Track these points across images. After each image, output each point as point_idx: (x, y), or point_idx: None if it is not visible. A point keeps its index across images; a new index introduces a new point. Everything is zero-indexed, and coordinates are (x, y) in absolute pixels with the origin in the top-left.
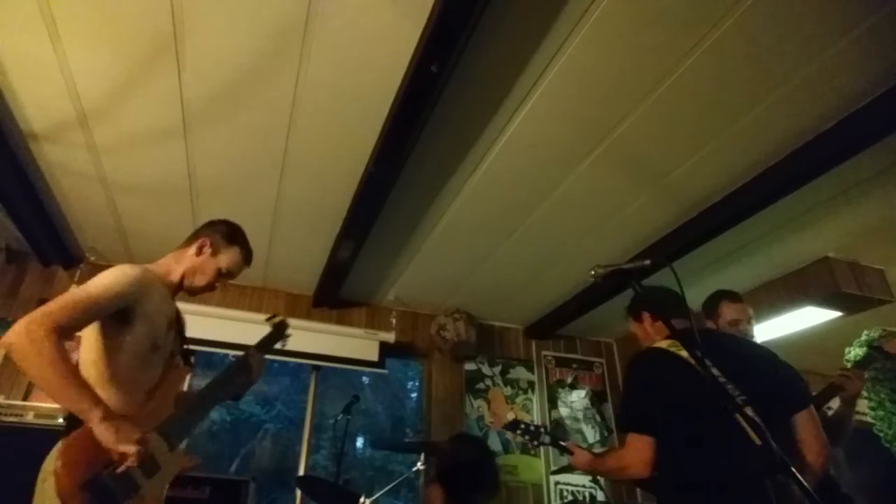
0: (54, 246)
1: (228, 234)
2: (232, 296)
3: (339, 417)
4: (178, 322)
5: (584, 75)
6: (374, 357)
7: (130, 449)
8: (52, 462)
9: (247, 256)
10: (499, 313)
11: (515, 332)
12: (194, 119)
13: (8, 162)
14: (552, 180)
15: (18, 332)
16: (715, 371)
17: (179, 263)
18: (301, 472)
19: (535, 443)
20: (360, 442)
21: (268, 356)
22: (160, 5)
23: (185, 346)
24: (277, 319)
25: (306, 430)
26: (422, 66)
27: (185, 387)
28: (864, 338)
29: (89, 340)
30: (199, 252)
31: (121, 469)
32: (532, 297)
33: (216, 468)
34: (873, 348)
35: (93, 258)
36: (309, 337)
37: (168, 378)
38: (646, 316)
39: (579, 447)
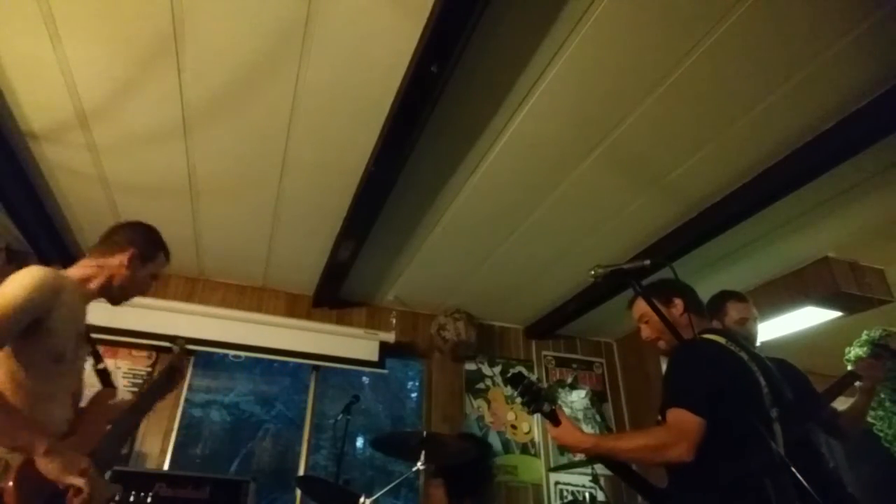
0: (54, 246)
1: (152, 239)
2: (232, 296)
3: (339, 417)
4: (87, 335)
5: (584, 75)
6: (374, 357)
7: (80, 481)
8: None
9: (168, 255)
10: (499, 313)
11: (515, 332)
12: (194, 119)
13: (8, 162)
14: (552, 180)
15: None
16: (762, 380)
17: (102, 271)
18: (301, 472)
19: (532, 408)
20: (360, 442)
21: (268, 357)
22: (160, 5)
23: (99, 367)
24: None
25: (306, 430)
26: (422, 66)
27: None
28: (864, 338)
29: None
30: (129, 265)
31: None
32: (532, 297)
33: (216, 468)
34: (878, 346)
35: None
36: (309, 337)
37: (96, 406)
38: (678, 303)
39: (570, 421)
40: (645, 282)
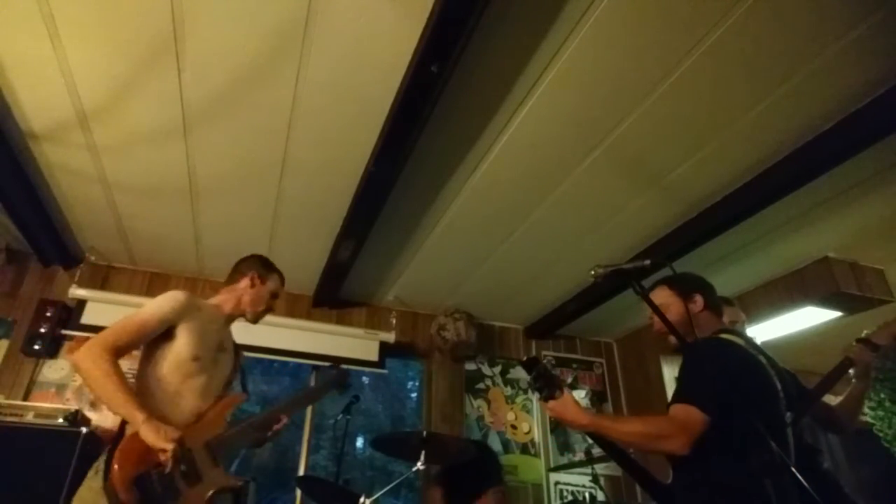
0: (54, 246)
1: (266, 264)
2: None
3: (339, 417)
4: (235, 352)
5: (584, 75)
6: (374, 357)
7: (168, 445)
8: (102, 460)
9: (282, 278)
10: (499, 313)
11: (515, 332)
12: (194, 119)
13: (8, 162)
14: (552, 180)
15: (83, 351)
16: (778, 384)
17: (232, 295)
18: (301, 472)
19: (545, 394)
20: (360, 442)
21: (268, 357)
22: (160, 5)
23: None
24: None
25: (306, 430)
26: (422, 66)
27: None
28: (863, 337)
29: (141, 358)
30: (252, 284)
31: (166, 470)
32: (532, 297)
33: None
34: (860, 340)
35: (93, 258)
36: (309, 337)
37: (222, 402)
38: (699, 299)
39: (573, 398)
40: (645, 281)
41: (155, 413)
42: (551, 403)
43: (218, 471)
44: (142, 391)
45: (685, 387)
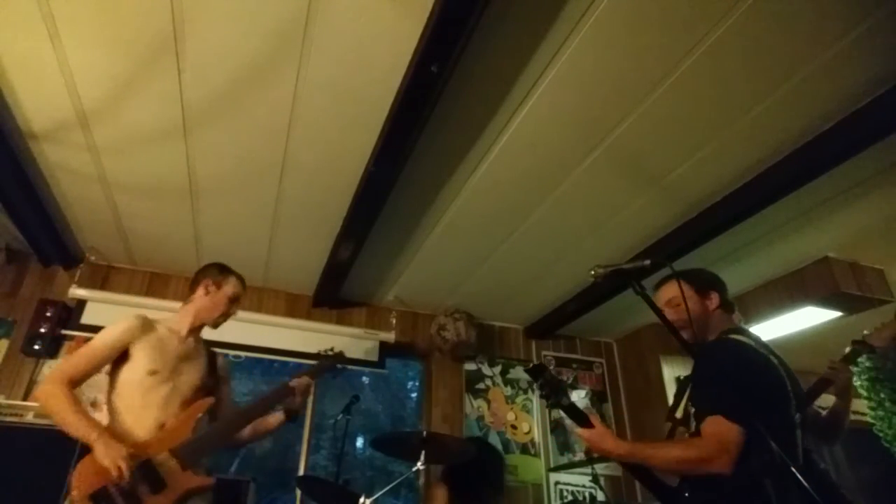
0: (54, 246)
1: (222, 269)
2: None
3: (339, 417)
4: (209, 357)
5: (584, 75)
6: (374, 357)
7: (117, 462)
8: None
9: (241, 280)
10: (499, 313)
11: (515, 332)
12: (194, 119)
13: (8, 162)
14: (552, 180)
15: (41, 386)
16: (789, 385)
17: (191, 306)
18: (301, 472)
19: (552, 401)
20: (360, 442)
21: (268, 357)
22: (160, 5)
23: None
24: (332, 353)
25: (306, 430)
26: (422, 66)
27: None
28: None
29: (108, 384)
30: (207, 292)
31: (121, 483)
32: (532, 297)
33: (216, 468)
34: (857, 342)
35: (93, 258)
36: (309, 337)
37: (188, 409)
38: (715, 297)
39: (605, 426)
40: (649, 279)
41: (122, 429)
42: (587, 434)
43: (186, 474)
44: (112, 412)
45: (711, 396)
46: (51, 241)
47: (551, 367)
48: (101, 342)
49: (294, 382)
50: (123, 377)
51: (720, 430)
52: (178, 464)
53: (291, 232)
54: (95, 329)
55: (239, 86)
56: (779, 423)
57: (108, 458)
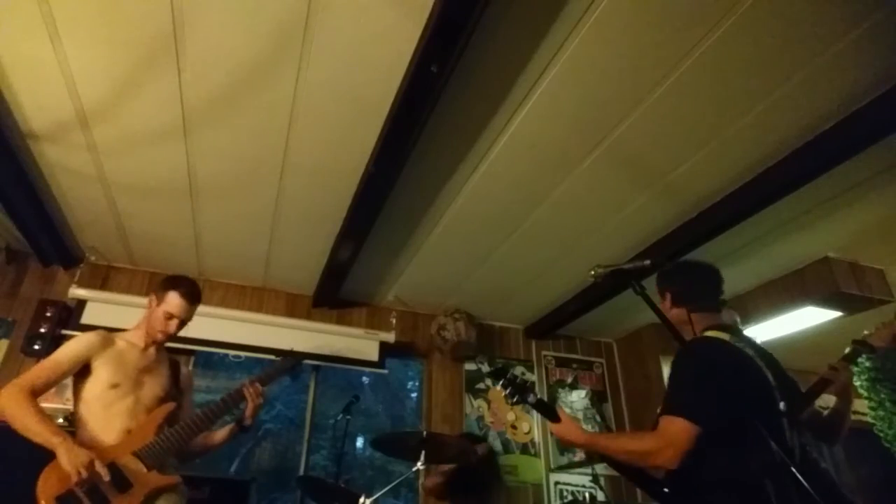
0: (54, 246)
1: (165, 283)
2: (232, 296)
3: (339, 417)
4: (172, 368)
5: (584, 75)
6: (374, 357)
7: (78, 468)
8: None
9: (185, 293)
10: (499, 313)
11: (515, 332)
12: (194, 119)
13: (8, 162)
14: (552, 180)
15: (3, 394)
16: (769, 375)
17: (144, 320)
18: (301, 472)
19: (517, 398)
20: (360, 442)
21: (268, 357)
22: (160, 5)
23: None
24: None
25: (306, 430)
26: (422, 66)
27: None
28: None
29: (73, 396)
30: (150, 306)
31: (85, 487)
32: (532, 297)
33: (216, 468)
34: (857, 342)
35: (93, 258)
36: (309, 337)
37: (151, 414)
38: (667, 296)
39: (572, 418)
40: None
41: (88, 437)
42: (553, 428)
43: (152, 474)
44: (78, 423)
45: (671, 396)
46: (51, 241)
47: (516, 371)
48: (62, 355)
49: (246, 390)
50: (87, 390)
51: (670, 426)
52: (143, 465)
53: (291, 232)
54: (95, 329)
55: (239, 86)
56: (759, 417)
57: (71, 463)
